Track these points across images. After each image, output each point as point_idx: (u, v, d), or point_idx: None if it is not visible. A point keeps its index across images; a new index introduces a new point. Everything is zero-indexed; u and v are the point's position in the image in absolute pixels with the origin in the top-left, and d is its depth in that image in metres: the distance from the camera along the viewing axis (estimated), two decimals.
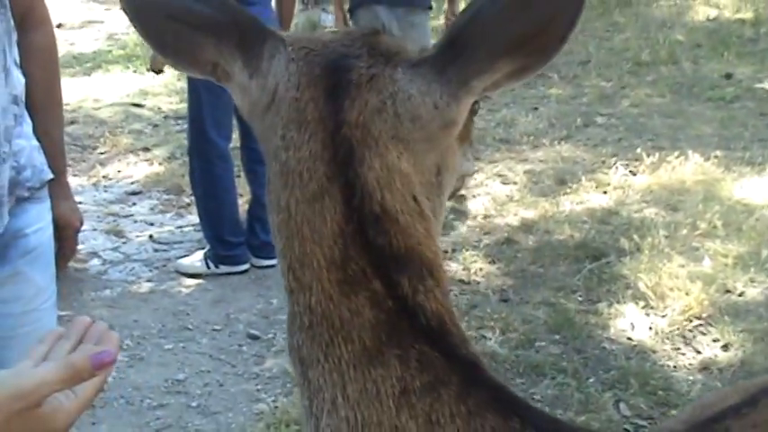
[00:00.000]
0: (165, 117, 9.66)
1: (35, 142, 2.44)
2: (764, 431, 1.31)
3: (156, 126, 9.32)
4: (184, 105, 9.24)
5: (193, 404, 4.43)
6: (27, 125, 2.41)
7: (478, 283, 5.56)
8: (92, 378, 1.28)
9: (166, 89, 10.53)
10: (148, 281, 5.83)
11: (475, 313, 5.15)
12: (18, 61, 2.34)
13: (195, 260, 5.93)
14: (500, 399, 1.19)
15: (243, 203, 6.21)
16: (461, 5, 7.40)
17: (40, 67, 2.52)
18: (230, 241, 5.85)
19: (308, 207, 1.19)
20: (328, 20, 13.29)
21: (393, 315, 1.18)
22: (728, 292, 5.29)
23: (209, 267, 5.87)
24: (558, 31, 1.19)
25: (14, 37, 2.32)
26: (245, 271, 5.92)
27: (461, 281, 5.56)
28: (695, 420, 1.34)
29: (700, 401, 1.58)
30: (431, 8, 7.34)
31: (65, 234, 2.64)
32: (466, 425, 1.16)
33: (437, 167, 1.28)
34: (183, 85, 8.44)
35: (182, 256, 6.07)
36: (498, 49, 1.20)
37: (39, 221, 2.45)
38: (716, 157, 7.51)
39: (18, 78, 2.33)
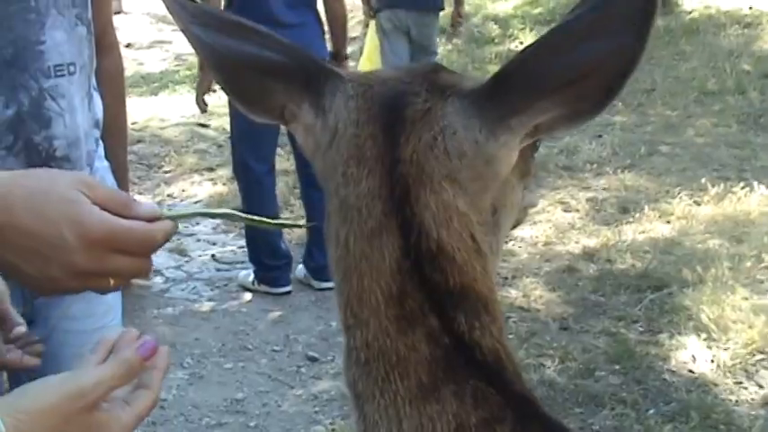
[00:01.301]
0: (229, 137, 9.73)
1: (106, 163, 2.50)
2: None
3: (220, 146, 9.41)
4: None
5: (251, 424, 4.46)
6: (101, 147, 2.47)
7: (538, 310, 5.54)
8: (144, 369, 1.29)
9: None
10: (210, 300, 5.89)
11: (534, 341, 5.13)
12: (95, 86, 2.41)
13: (248, 274, 6.01)
14: None
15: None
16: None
17: (109, 92, 2.58)
18: (268, 264, 5.93)
19: (367, 243, 1.20)
20: None
21: (450, 351, 1.18)
22: None
23: (253, 284, 5.99)
24: (606, 78, 1.13)
25: (95, 63, 2.38)
26: (289, 292, 5.98)
27: (521, 308, 5.55)
28: None
29: None
30: (442, 9, 8.53)
31: None
32: None
33: (493, 207, 1.28)
34: None
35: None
36: (540, 89, 1.16)
37: None
38: None
39: (98, 103, 2.40)
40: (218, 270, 6.41)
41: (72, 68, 2.25)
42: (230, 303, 5.85)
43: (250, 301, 5.87)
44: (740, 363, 4.84)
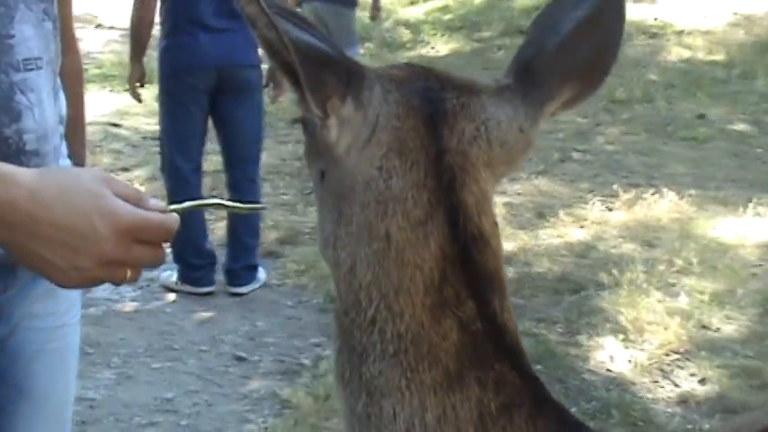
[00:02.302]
0: (144, 138, 9.72)
1: (69, 161, 2.52)
2: None
3: (135, 146, 9.39)
4: None
5: (183, 423, 4.49)
6: (64, 145, 2.49)
7: None
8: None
9: (144, 110, 10.51)
10: (133, 300, 5.88)
11: None
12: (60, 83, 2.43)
13: (171, 274, 6.02)
14: (565, 420, 1.28)
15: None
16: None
17: (71, 90, 2.60)
18: (192, 263, 5.94)
19: (412, 232, 1.25)
20: None
21: (479, 337, 1.25)
22: (705, 327, 5.43)
23: (176, 284, 5.99)
24: (605, 60, 1.40)
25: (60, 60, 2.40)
26: (212, 292, 5.98)
27: None
28: None
29: (731, 424, 1.68)
30: (356, 5, 9.45)
31: None
32: None
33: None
34: None
35: None
36: (564, 75, 1.37)
37: None
38: (690, 195, 7.66)
39: (62, 99, 2.42)
40: None
41: (40, 63, 2.27)
42: (154, 304, 5.84)
43: (174, 301, 5.88)
44: (656, 362, 5.02)
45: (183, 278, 5.94)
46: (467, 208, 1.27)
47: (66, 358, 2.62)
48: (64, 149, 2.49)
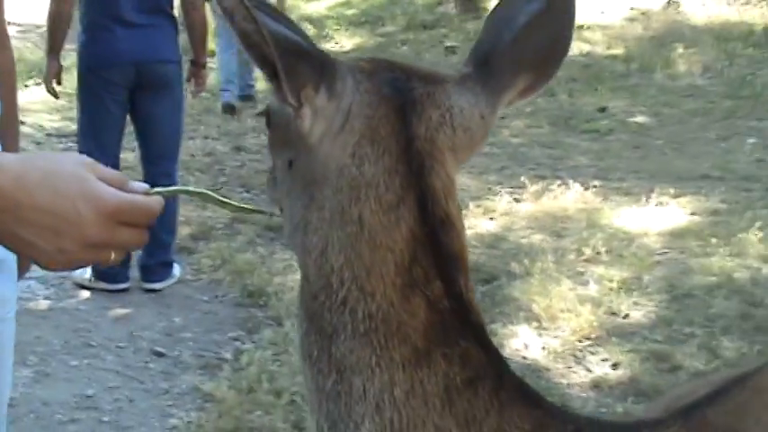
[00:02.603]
0: (48, 135, 9.58)
1: None
2: (736, 417, 1.50)
3: (39, 144, 9.24)
4: (66, 123, 9.29)
5: (105, 419, 4.47)
6: None
7: None
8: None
9: (46, 106, 10.40)
10: (46, 298, 5.81)
11: None
12: None
13: (85, 272, 5.96)
14: (525, 392, 1.35)
15: None
16: None
17: (4, 85, 2.60)
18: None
19: (384, 216, 1.31)
20: None
21: (446, 314, 1.31)
22: (614, 314, 5.58)
23: (90, 281, 5.93)
24: (556, 51, 1.49)
25: None
26: (127, 289, 5.95)
27: None
28: (673, 408, 1.52)
29: (670, 394, 1.77)
30: None
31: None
32: (499, 418, 1.30)
33: None
34: (63, 102, 8.45)
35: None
36: (520, 66, 1.45)
37: None
38: (595, 186, 7.86)
39: None
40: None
41: None
42: (68, 301, 5.79)
43: (88, 298, 5.83)
44: (569, 349, 5.14)
45: (98, 275, 5.89)
46: (435, 192, 1.33)
47: (2, 353, 2.63)
48: None
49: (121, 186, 1.37)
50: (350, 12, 16.22)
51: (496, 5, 1.51)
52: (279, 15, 1.39)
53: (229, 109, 10.54)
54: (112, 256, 1.38)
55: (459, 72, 1.46)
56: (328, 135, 1.36)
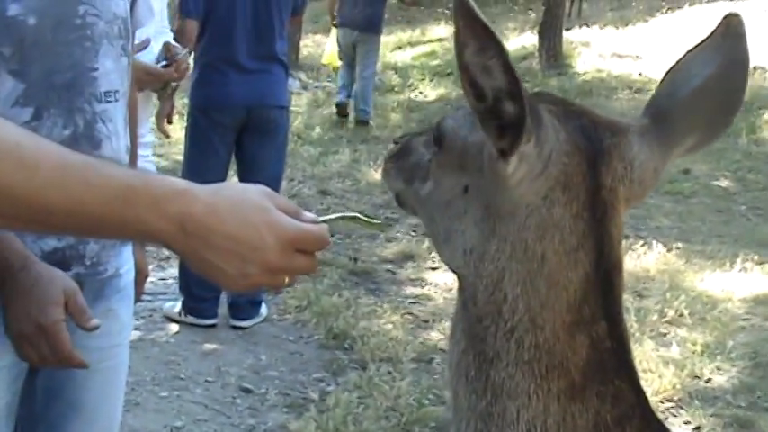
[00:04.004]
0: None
1: None
2: None
3: None
4: (158, 160, 9.44)
5: None
6: None
7: None
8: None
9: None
10: (136, 329, 5.94)
11: None
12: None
13: (175, 305, 6.11)
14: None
15: None
16: None
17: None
18: (196, 294, 6.02)
19: (565, 256, 1.42)
20: (295, 85, 13.61)
21: (605, 354, 1.41)
22: (697, 377, 5.58)
23: (180, 315, 6.07)
24: (727, 115, 1.58)
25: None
26: (215, 324, 6.08)
27: (443, 350, 5.77)
28: None
29: None
30: (380, 33, 12.45)
31: (139, 279, 2.83)
32: None
33: None
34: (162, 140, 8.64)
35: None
36: (692, 124, 1.55)
37: (128, 263, 2.64)
38: (677, 248, 7.85)
39: (128, 132, 2.55)
40: (142, 301, 6.46)
41: (117, 95, 2.42)
42: (157, 334, 5.92)
43: (177, 332, 5.96)
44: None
45: (187, 309, 6.03)
46: (611, 239, 1.45)
47: (118, 377, 2.75)
48: None
49: (296, 216, 1.46)
50: (434, 62, 16.37)
51: (675, 64, 1.58)
52: None
53: (341, 108, 12.64)
54: (286, 280, 1.48)
55: (639, 123, 1.54)
56: (527, 179, 1.44)
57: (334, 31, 12.55)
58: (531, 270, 1.43)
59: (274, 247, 1.40)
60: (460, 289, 1.54)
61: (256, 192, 1.45)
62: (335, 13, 12.31)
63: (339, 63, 12.55)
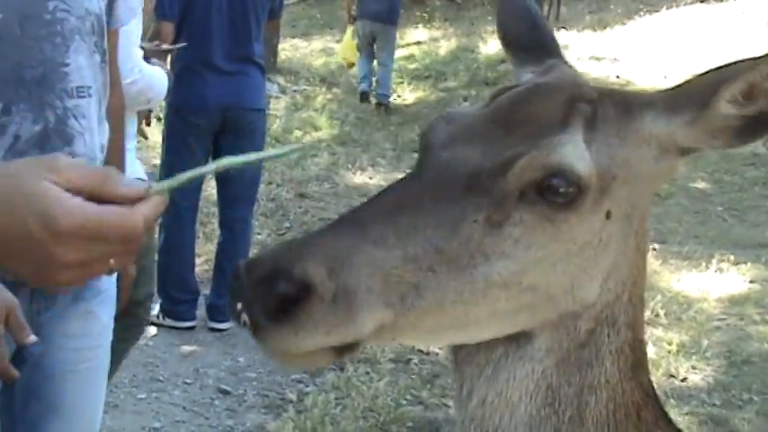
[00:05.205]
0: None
1: None
2: None
3: None
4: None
5: None
6: None
7: (437, 354, 5.81)
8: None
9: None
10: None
11: (438, 382, 5.39)
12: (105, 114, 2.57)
13: (154, 308, 6.09)
14: None
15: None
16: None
17: (113, 126, 2.73)
18: (174, 297, 6.04)
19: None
20: (273, 89, 13.62)
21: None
22: (672, 377, 5.63)
23: (158, 318, 6.05)
24: None
25: (109, 91, 2.55)
26: (194, 327, 6.08)
27: (421, 351, 5.80)
28: None
29: None
30: (398, 23, 13.91)
31: (123, 282, 2.85)
32: None
33: None
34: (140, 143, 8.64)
35: None
36: None
37: None
38: (654, 249, 7.90)
39: (106, 129, 2.56)
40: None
41: (90, 91, 2.42)
42: None
43: (156, 335, 5.96)
44: None
45: (166, 312, 6.03)
46: None
47: (97, 379, 2.75)
48: None
49: (101, 189, 1.26)
50: (413, 66, 16.40)
51: None
52: None
53: (364, 96, 13.83)
54: (111, 263, 1.29)
55: None
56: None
57: (349, 29, 13.73)
58: (640, 265, 1.49)
59: (49, 240, 1.22)
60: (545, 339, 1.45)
61: (35, 171, 1.25)
62: (354, 9, 13.48)
63: (356, 57, 13.74)
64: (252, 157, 1.48)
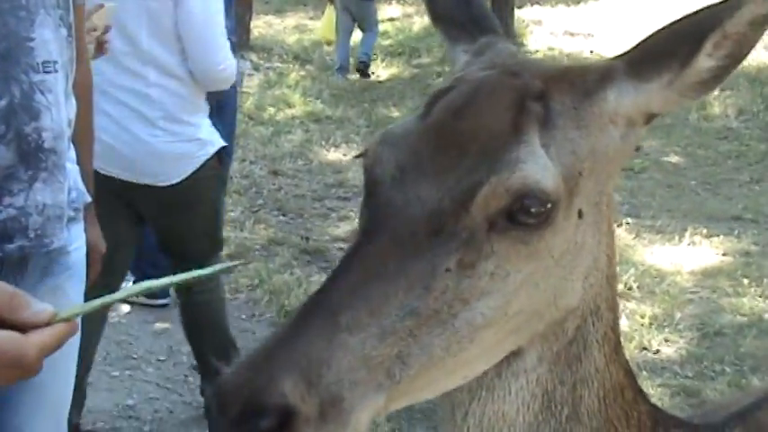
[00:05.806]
0: None
1: (76, 166, 2.65)
2: None
3: None
4: None
5: (146, 429, 4.60)
6: (72, 149, 2.61)
7: None
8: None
9: None
10: None
11: None
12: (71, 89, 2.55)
13: (127, 285, 6.07)
14: None
15: None
16: None
17: (81, 101, 2.72)
18: (148, 275, 5.93)
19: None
20: (246, 66, 13.56)
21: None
22: (645, 349, 5.67)
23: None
24: None
25: (75, 66, 2.53)
26: (167, 305, 6.01)
27: None
28: (727, 414, 1.66)
29: (712, 405, 1.92)
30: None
31: (92, 257, 2.84)
32: None
33: None
34: None
35: None
36: None
37: (78, 240, 2.64)
38: (627, 223, 7.94)
39: (73, 104, 2.54)
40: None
41: (56, 66, 2.40)
42: (109, 314, 5.88)
43: (129, 312, 5.95)
44: None
45: None
46: None
47: (68, 354, 2.74)
48: (72, 154, 2.61)
49: (9, 313, 1.26)
50: (386, 42, 16.35)
51: None
52: None
53: (342, 71, 14.06)
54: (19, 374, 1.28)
55: None
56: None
57: (329, 7, 14.40)
58: (612, 243, 1.49)
59: None
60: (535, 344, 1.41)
61: None
62: None
63: (334, 37, 14.34)
64: (174, 279, 1.40)
